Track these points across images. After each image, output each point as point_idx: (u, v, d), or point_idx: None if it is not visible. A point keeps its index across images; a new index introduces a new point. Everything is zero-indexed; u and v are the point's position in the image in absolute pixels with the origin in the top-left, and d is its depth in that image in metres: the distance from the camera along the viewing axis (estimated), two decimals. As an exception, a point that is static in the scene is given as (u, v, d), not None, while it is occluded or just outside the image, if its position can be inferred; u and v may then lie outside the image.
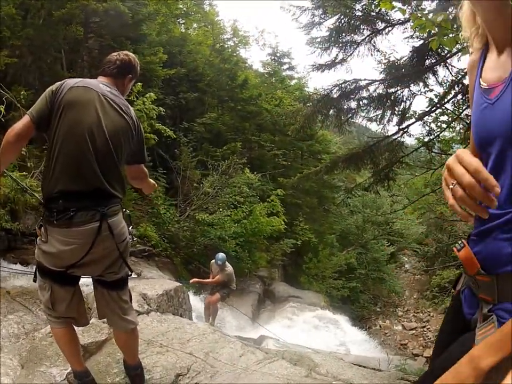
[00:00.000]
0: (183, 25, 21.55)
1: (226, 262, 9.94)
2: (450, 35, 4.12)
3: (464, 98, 8.74)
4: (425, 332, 18.89)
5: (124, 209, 3.11)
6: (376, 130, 10.71)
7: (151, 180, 3.53)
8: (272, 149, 19.78)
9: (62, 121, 2.80)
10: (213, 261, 9.92)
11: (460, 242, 1.39)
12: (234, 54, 20.04)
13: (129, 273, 3.19)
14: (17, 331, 4.50)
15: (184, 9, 20.47)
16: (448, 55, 8.34)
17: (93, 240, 2.78)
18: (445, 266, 21.00)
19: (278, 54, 24.73)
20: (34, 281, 3.09)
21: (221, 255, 9.87)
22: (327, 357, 5.03)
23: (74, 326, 3.25)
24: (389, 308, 22.55)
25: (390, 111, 9.70)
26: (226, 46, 19.94)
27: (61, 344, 3.26)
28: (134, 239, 3.23)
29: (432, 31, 4.25)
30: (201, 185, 14.93)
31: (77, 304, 3.13)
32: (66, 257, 2.84)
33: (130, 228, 3.16)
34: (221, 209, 14.42)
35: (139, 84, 10.62)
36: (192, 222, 14.10)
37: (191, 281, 9.51)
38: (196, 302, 10.31)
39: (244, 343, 4.87)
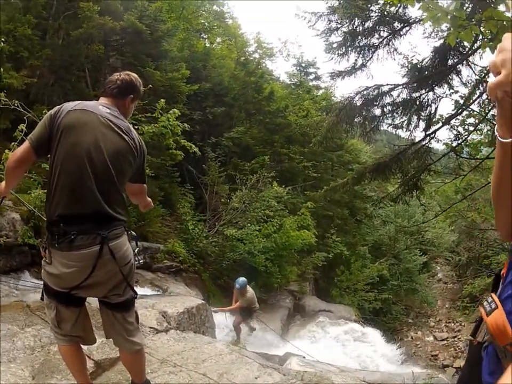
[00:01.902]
0: (206, 39, 21.73)
1: (247, 287, 9.86)
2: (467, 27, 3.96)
3: (489, 98, 8.50)
4: (455, 342, 18.57)
5: (129, 231, 3.09)
6: (406, 137, 10.47)
7: (149, 198, 3.51)
8: (302, 161, 19.59)
9: (60, 145, 2.80)
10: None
11: (489, 300, 1.17)
12: (260, 67, 19.98)
13: (135, 295, 3.17)
14: (33, 344, 4.51)
15: (206, 23, 20.64)
16: (470, 52, 8.15)
17: (94, 263, 2.77)
18: (476, 275, 20.54)
19: (303, 64, 24.66)
20: (42, 299, 3.12)
21: (241, 279, 9.83)
22: (348, 378, 4.87)
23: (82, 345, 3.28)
24: (421, 319, 22.15)
25: (416, 117, 9.51)
26: (251, 58, 19.90)
27: (67, 361, 3.31)
28: (141, 261, 3.21)
29: (447, 24, 4.12)
30: (230, 200, 14.82)
31: (83, 324, 3.15)
32: (68, 279, 2.84)
33: (136, 250, 3.15)
34: (250, 224, 14.31)
35: (162, 100, 10.67)
36: (221, 237, 14.04)
37: (212, 309, 9.38)
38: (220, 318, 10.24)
39: (261, 364, 4.74)
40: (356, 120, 9.50)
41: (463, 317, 20.44)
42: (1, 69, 7.78)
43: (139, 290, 9.15)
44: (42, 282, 3.05)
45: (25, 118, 7.29)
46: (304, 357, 8.56)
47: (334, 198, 16.47)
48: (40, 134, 2.85)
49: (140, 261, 3.23)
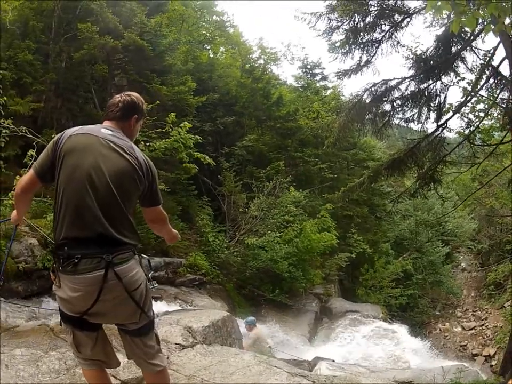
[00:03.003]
0: (210, 50, 21.76)
1: (255, 325, 9.77)
2: (469, 13, 3.90)
3: (496, 81, 8.41)
4: (483, 330, 18.43)
5: (141, 255, 3.03)
6: (418, 130, 10.37)
7: (174, 230, 3.44)
8: (317, 163, 19.48)
9: (62, 169, 2.79)
10: None
11: None
12: (265, 72, 19.92)
13: (153, 318, 3.11)
14: (58, 367, 4.49)
15: (207, 34, 20.68)
16: (472, 37, 8.07)
17: (99, 288, 2.71)
18: (499, 262, 20.29)
19: (308, 66, 24.52)
20: (60, 324, 3.11)
21: (249, 318, 9.80)
22: (378, 378, 4.82)
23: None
24: (448, 310, 22.02)
25: (426, 108, 9.41)
26: (256, 65, 19.83)
27: None
28: (155, 285, 3.14)
29: (449, 12, 4.07)
30: (248, 208, 14.83)
31: (103, 348, 3.11)
32: (76, 304, 2.80)
33: (150, 275, 3.09)
34: (270, 231, 14.28)
35: (172, 114, 10.72)
36: (242, 246, 14.07)
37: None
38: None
39: (290, 372, 4.70)
40: (366, 117, 9.42)
41: (489, 304, 20.19)
42: (5, 97, 7.83)
43: (163, 305, 9.26)
44: (61, 306, 3.03)
45: (34, 143, 7.38)
46: (333, 360, 8.49)
47: (352, 198, 16.33)
48: (43, 161, 2.87)
49: (155, 286, 3.12)
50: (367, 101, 9.10)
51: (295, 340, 11.26)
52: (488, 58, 8.40)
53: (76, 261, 2.69)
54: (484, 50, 8.57)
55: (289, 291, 14.64)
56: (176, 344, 5.27)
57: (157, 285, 3.22)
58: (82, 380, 3.85)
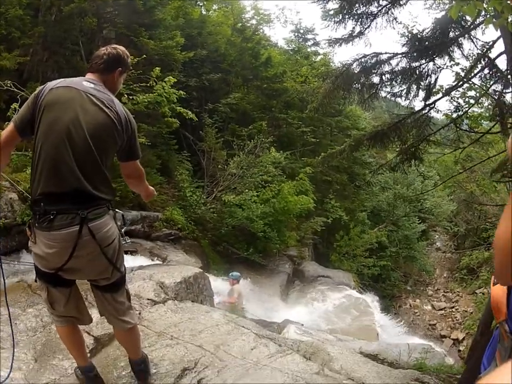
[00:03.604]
0: (202, 7, 21.31)
1: (238, 281, 10.31)
2: (470, 1, 3.85)
3: (491, 73, 8.37)
4: (453, 313, 18.73)
5: (115, 210, 3.02)
6: (405, 106, 10.34)
7: (151, 187, 3.44)
8: (300, 126, 19.35)
9: (41, 123, 2.74)
10: None
11: None
12: (257, 33, 19.62)
13: (124, 273, 3.13)
14: (35, 324, 4.52)
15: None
16: (472, 26, 7.98)
17: (73, 244, 2.71)
18: (474, 247, 20.64)
19: (301, 31, 24.27)
20: (36, 281, 3.11)
21: (235, 273, 10.49)
22: (345, 348, 4.90)
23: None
24: (420, 287, 22.32)
25: (416, 86, 9.34)
26: (248, 25, 19.52)
27: (64, 341, 3.34)
28: (128, 241, 3.15)
29: None
30: (227, 166, 14.77)
31: (76, 304, 3.14)
32: (51, 260, 2.80)
33: (123, 230, 3.10)
34: (248, 190, 14.30)
35: (157, 68, 10.60)
36: (219, 203, 14.06)
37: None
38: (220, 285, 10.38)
39: (258, 334, 4.77)
40: (353, 86, 9.32)
41: (461, 288, 20.55)
42: None
43: (138, 260, 9.25)
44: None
45: (18, 97, 7.26)
46: (302, 325, 8.63)
47: (332, 164, 16.33)
48: (23, 114, 2.82)
49: (128, 241, 3.14)
50: (356, 71, 9.00)
51: (267, 300, 11.39)
52: (485, 49, 8.30)
53: (52, 217, 2.68)
54: (482, 41, 8.48)
55: (263, 251, 14.75)
56: (148, 299, 5.29)
57: (129, 240, 3.23)
58: (57, 336, 3.87)
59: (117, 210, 3.04)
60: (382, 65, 8.87)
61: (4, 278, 3.03)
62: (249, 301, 10.59)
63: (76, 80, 2.91)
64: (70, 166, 2.69)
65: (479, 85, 8.97)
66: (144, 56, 11.01)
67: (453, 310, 18.94)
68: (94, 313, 3.46)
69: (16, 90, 7.59)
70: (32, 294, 5.15)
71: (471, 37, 8.38)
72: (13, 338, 3.41)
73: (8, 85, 7.54)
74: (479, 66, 8.58)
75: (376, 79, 9.22)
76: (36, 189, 2.75)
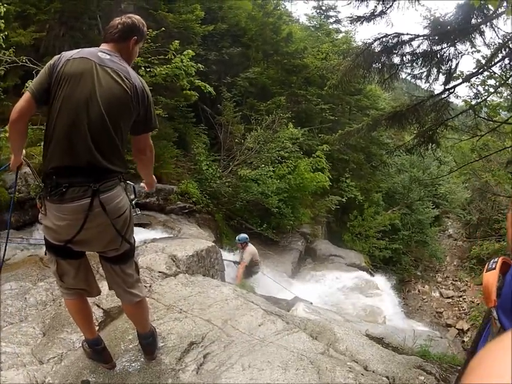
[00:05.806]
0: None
1: (247, 243, 10.29)
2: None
3: (511, 63, 8.22)
4: (460, 302, 18.64)
5: (127, 182, 3.02)
6: (425, 89, 10.22)
7: (154, 178, 3.46)
8: (319, 103, 19.20)
9: (57, 96, 2.72)
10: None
11: (495, 259, 1.22)
12: (278, 8, 19.41)
13: (133, 245, 3.15)
14: (45, 298, 4.58)
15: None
16: (494, 15, 7.81)
17: (84, 216, 2.73)
18: (485, 238, 20.46)
19: (323, 7, 23.99)
20: (45, 254, 3.13)
21: (241, 235, 10.40)
22: (351, 330, 4.90)
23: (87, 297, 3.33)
24: (429, 273, 22.11)
25: (436, 69, 9.21)
26: (269, -1, 19.37)
27: (72, 314, 3.36)
28: (138, 212, 3.15)
29: None
30: (244, 140, 14.70)
31: (85, 276, 3.17)
32: (61, 232, 2.82)
33: (134, 201, 3.09)
34: (264, 165, 14.29)
35: (176, 41, 10.50)
36: (235, 177, 14.05)
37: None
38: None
39: (266, 310, 4.80)
40: (374, 66, 9.21)
41: (470, 277, 20.46)
42: (6, 32, 7.64)
43: (151, 232, 9.30)
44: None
45: (33, 72, 7.23)
46: (311, 303, 8.66)
47: (349, 143, 16.20)
48: (40, 83, 2.78)
49: (138, 213, 3.13)
50: (376, 50, 8.87)
51: (278, 277, 11.44)
52: (506, 39, 8.14)
53: (64, 189, 2.69)
54: (504, 32, 8.32)
55: (277, 227, 14.79)
56: (159, 272, 5.33)
57: (139, 212, 3.22)
58: (66, 310, 3.95)
59: (128, 182, 3.04)
60: (403, 46, 8.74)
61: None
62: (261, 277, 10.55)
63: (91, 50, 2.87)
64: (84, 141, 2.69)
65: (499, 74, 8.83)
66: (163, 29, 10.94)
67: (460, 299, 18.83)
68: (104, 286, 3.48)
69: (32, 65, 7.57)
70: (44, 267, 5.21)
71: (493, 25, 8.21)
72: None
73: (24, 60, 7.52)
74: (500, 55, 8.43)
75: (397, 60, 9.10)
76: (48, 162, 2.75)
